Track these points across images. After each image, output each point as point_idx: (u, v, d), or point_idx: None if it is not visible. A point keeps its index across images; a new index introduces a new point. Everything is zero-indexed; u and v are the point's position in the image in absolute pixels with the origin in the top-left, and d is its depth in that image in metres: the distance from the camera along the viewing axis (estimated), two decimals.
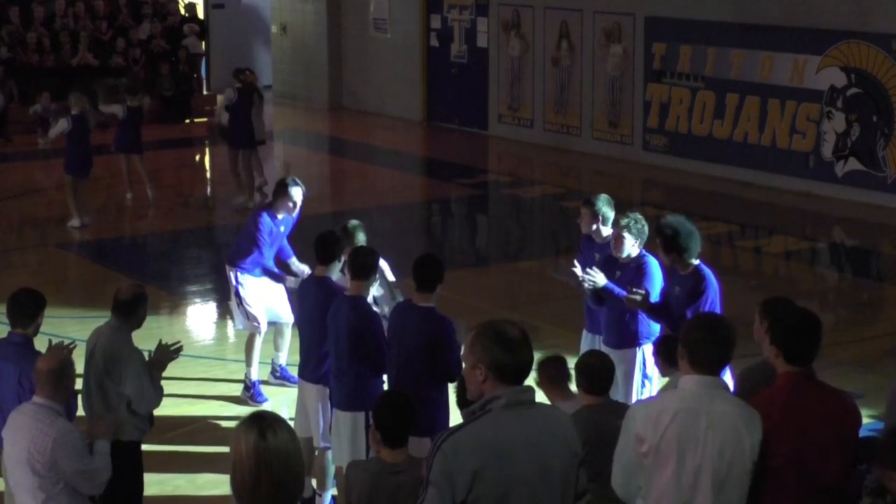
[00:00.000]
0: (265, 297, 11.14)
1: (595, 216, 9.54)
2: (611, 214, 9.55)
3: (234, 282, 11.14)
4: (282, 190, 10.93)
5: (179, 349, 8.07)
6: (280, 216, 10.97)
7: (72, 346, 7.85)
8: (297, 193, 10.88)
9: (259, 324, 11.11)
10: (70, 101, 17.31)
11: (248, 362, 11.16)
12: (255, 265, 11.03)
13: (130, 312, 7.85)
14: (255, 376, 11.14)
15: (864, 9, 18.04)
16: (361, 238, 9.94)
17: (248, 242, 11.06)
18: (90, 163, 17.05)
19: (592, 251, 9.62)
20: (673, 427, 5.38)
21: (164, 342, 8.04)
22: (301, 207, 10.99)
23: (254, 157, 18.36)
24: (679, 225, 8.63)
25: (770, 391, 5.93)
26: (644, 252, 9.19)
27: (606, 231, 9.50)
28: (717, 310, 8.67)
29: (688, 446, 5.38)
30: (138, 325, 7.93)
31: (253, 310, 11.08)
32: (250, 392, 11.08)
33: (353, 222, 10.03)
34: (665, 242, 8.62)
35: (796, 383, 5.81)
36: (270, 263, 11.04)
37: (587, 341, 9.71)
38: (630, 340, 9.18)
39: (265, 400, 11.01)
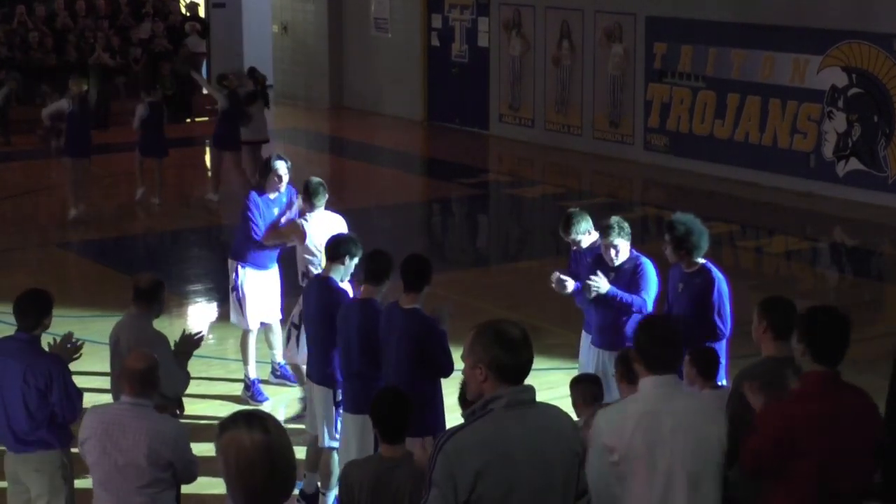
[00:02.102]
0: (262, 295, 11.16)
1: (573, 241, 9.58)
2: (586, 227, 9.56)
3: (234, 275, 11.15)
4: (265, 167, 11.10)
5: (202, 338, 8.33)
6: (271, 196, 11.01)
7: (78, 343, 7.88)
8: (280, 166, 10.99)
9: (247, 320, 11.13)
10: (69, 84, 17.42)
11: (245, 361, 11.19)
12: (258, 251, 11.04)
13: (152, 300, 8.09)
14: (253, 374, 11.14)
15: (865, 8, 18.04)
16: (322, 198, 10.34)
17: (245, 229, 11.06)
18: (89, 144, 17.13)
19: (585, 256, 9.67)
20: (638, 432, 5.37)
21: (186, 332, 8.27)
22: (290, 183, 11.09)
23: (237, 159, 18.61)
24: (692, 223, 8.71)
25: (796, 391, 5.90)
26: (637, 254, 9.22)
27: (588, 240, 9.55)
28: (729, 307, 8.70)
29: (656, 449, 5.37)
30: (159, 313, 8.16)
31: (247, 308, 11.10)
32: (250, 391, 11.08)
33: (315, 180, 10.39)
34: (676, 240, 8.66)
35: (824, 386, 5.78)
36: (258, 246, 11.06)
37: (587, 342, 9.73)
38: (623, 342, 9.19)
39: (265, 399, 11.02)
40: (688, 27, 20.20)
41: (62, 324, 11.75)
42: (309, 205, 10.53)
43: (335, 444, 8.90)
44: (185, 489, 9.07)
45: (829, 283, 15.56)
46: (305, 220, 10.52)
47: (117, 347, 8.02)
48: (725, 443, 5.53)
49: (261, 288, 11.14)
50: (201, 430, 10.26)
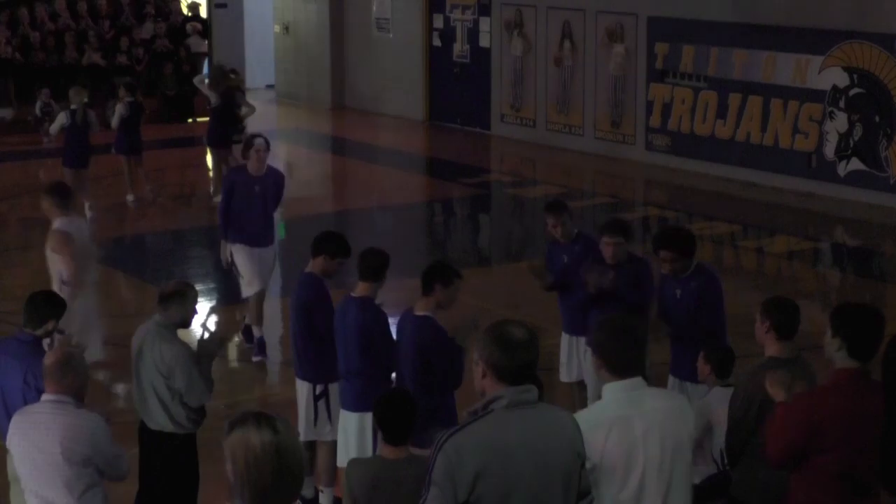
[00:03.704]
0: (251, 266, 11.82)
1: (557, 220, 9.74)
2: (569, 216, 9.81)
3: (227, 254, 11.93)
4: (246, 146, 11.80)
5: (224, 339, 8.24)
6: (254, 174, 11.65)
7: (77, 343, 7.88)
8: (258, 143, 11.64)
9: (251, 282, 11.85)
10: (70, 95, 17.51)
11: (254, 321, 11.96)
12: (233, 228, 11.72)
13: (168, 307, 7.94)
14: (257, 333, 11.88)
15: (867, 9, 18.03)
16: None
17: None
18: (87, 155, 17.23)
19: (560, 253, 9.76)
20: (612, 439, 5.32)
21: (205, 335, 8.15)
22: (265, 160, 11.67)
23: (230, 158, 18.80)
24: (685, 231, 8.76)
25: (827, 386, 5.93)
26: (635, 255, 9.26)
27: (570, 229, 9.77)
28: (723, 307, 8.69)
29: (631, 454, 5.34)
30: (182, 322, 7.98)
31: (247, 273, 11.81)
32: (255, 349, 11.91)
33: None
34: (681, 252, 8.61)
35: (855, 381, 5.81)
36: (242, 219, 11.67)
37: (566, 343, 9.79)
38: None
39: (262, 356, 11.92)
40: (689, 27, 20.20)
41: (62, 323, 11.77)
42: (60, 209, 10.23)
43: (313, 438, 8.94)
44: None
45: (831, 283, 15.55)
46: (61, 226, 10.22)
47: (140, 354, 7.95)
48: (693, 441, 5.54)
49: (252, 256, 11.80)
50: (201, 431, 10.26)
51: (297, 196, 17.47)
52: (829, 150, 18.58)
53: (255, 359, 11.92)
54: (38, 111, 23.29)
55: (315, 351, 8.89)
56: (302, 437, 9.05)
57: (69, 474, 6.46)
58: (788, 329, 6.78)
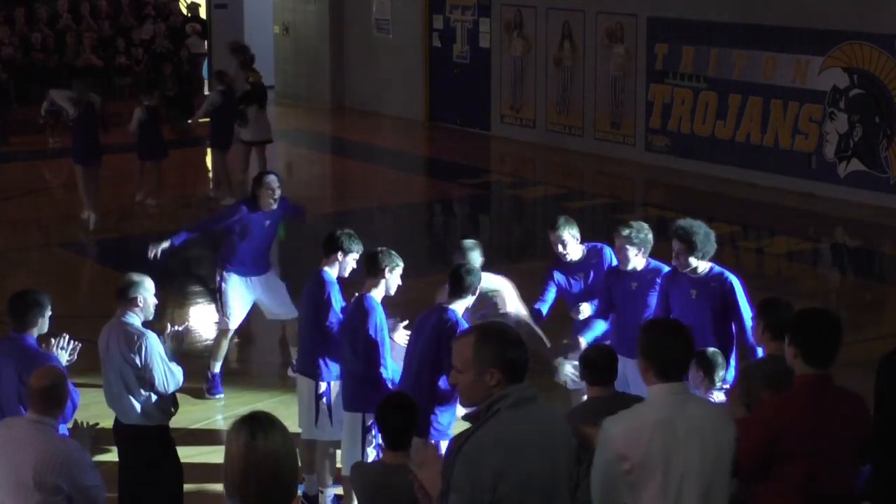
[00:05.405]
0: (246, 298, 11.33)
1: (557, 242, 9.40)
2: (575, 232, 9.39)
3: (218, 277, 11.39)
4: (257, 182, 11.17)
5: (187, 329, 8.32)
6: (264, 210, 11.10)
7: (77, 345, 7.85)
8: (272, 181, 11.06)
9: (229, 320, 11.33)
10: (74, 89, 17.31)
11: (214, 357, 11.35)
12: (234, 259, 11.23)
13: (126, 298, 7.94)
14: (216, 370, 11.31)
15: (867, 9, 18.02)
16: (475, 257, 9.10)
17: (228, 238, 11.35)
18: (98, 150, 16.95)
19: (571, 276, 9.55)
20: (655, 440, 5.31)
21: (171, 326, 8.15)
22: (281, 198, 11.15)
23: (227, 158, 18.75)
24: (703, 227, 8.57)
25: (788, 394, 5.87)
26: (660, 265, 9.08)
27: (574, 247, 9.39)
28: (749, 305, 8.59)
29: (671, 456, 5.32)
30: (145, 313, 7.96)
31: (228, 308, 11.31)
32: (208, 385, 11.26)
33: (467, 242, 9.24)
34: (694, 246, 8.46)
35: (815, 388, 5.75)
36: (244, 251, 11.17)
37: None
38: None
39: (220, 393, 11.22)
40: (689, 28, 20.19)
41: (63, 324, 11.76)
42: None
43: (315, 437, 8.92)
44: (186, 488, 9.09)
45: (831, 283, 15.54)
46: None
47: (108, 348, 7.95)
48: (734, 447, 5.48)
49: (245, 292, 11.33)
50: (199, 432, 10.28)
51: (297, 197, 17.42)
52: (829, 151, 18.57)
53: (209, 396, 11.27)
54: (43, 111, 23.25)
55: (320, 347, 8.89)
56: (304, 435, 9.04)
57: (38, 499, 6.31)
58: (782, 328, 6.78)
